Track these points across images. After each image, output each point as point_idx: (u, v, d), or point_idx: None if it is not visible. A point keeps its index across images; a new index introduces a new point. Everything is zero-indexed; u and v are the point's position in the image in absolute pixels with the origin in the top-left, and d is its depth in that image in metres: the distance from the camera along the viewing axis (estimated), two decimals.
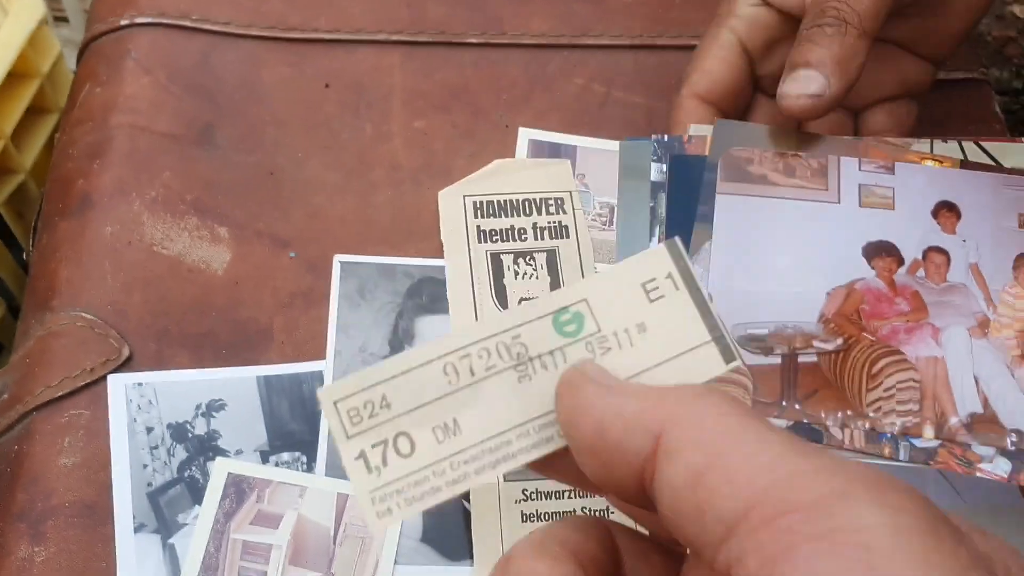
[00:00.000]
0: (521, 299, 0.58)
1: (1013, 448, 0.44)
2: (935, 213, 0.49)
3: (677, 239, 0.31)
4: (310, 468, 0.52)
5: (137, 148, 0.59)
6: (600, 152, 0.64)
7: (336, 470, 0.52)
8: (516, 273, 0.59)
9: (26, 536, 0.48)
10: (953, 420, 0.45)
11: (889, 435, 0.44)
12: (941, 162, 0.50)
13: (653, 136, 0.54)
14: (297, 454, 0.52)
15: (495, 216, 0.61)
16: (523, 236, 0.60)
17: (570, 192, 0.62)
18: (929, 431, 0.44)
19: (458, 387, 0.30)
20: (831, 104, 0.50)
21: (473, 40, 0.66)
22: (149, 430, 0.51)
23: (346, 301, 0.57)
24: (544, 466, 0.29)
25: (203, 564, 0.48)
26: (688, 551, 0.26)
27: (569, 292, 0.31)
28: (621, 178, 0.55)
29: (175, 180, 0.58)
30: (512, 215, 0.61)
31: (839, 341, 0.46)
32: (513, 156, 0.63)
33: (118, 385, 0.52)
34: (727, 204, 0.48)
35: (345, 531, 0.50)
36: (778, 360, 0.45)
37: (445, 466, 0.29)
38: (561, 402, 0.27)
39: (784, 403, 0.45)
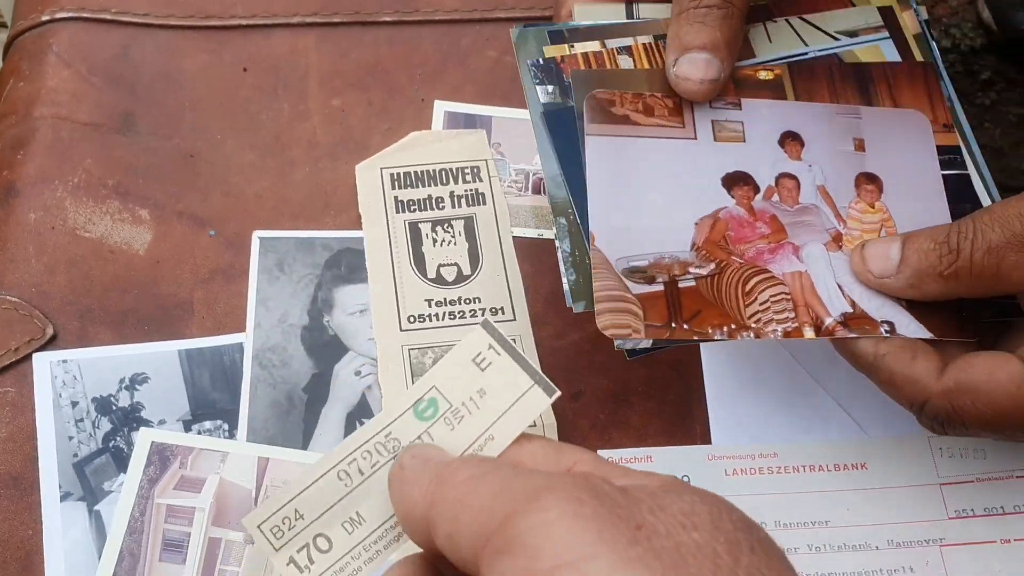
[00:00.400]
0: (439, 265, 0.60)
1: (888, 335, 0.48)
2: (781, 143, 0.53)
3: (488, 318, 0.40)
4: (231, 435, 0.54)
5: (59, 138, 0.61)
6: (515, 121, 0.66)
7: (256, 435, 0.54)
8: (434, 240, 0.61)
9: None
10: (828, 320, 0.48)
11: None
12: (773, 71, 0.54)
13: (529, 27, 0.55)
14: (219, 422, 0.54)
15: (412, 187, 0.63)
16: (441, 205, 0.62)
17: (486, 160, 0.64)
18: (809, 332, 0.48)
19: (353, 487, 0.37)
20: (724, 85, 0.53)
21: (387, 19, 0.68)
22: (74, 404, 0.53)
23: (265, 275, 0.59)
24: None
25: (128, 528, 0.50)
26: None
27: (420, 385, 0.38)
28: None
29: (97, 167, 0.60)
30: (429, 185, 0.63)
31: (712, 266, 0.49)
32: (429, 129, 0.65)
33: (43, 363, 0.54)
34: (596, 146, 0.51)
35: (266, 492, 0.53)
36: (661, 287, 0.49)
37: (359, 550, 0.37)
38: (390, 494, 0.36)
39: (673, 324, 0.48)
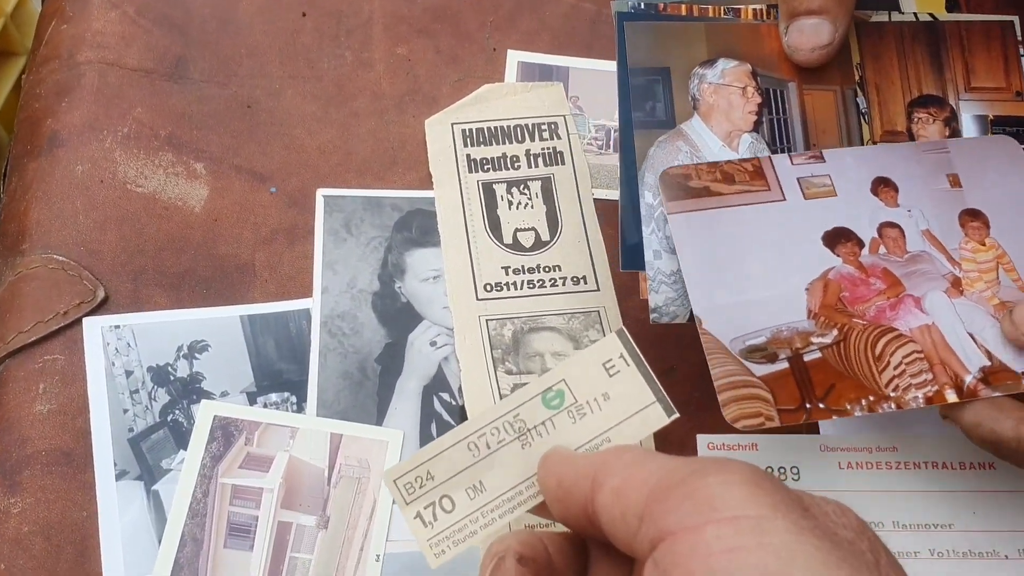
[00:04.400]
0: (516, 230, 0.55)
1: None
2: (874, 191, 0.49)
3: (623, 328, 0.41)
4: (300, 409, 0.49)
5: (107, 84, 0.56)
6: (594, 73, 0.61)
7: (327, 409, 0.49)
8: (510, 203, 0.56)
9: (0, 487, 0.45)
10: (968, 379, 0.44)
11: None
12: None
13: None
14: (286, 394, 0.50)
15: (486, 144, 0.58)
16: (516, 164, 0.58)
17: (564, 116, 0.59)
18: (952, 395, 0.44)
19: (479, 458, 0.40)
20: (839, 48, 0.51)
21: None
22: (128, 374, 0.49)
23: (331, 236, 0.54)
24: (542, 510, 0.39)
25: (190, 510, 0.46)
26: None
27: (551, 376, 0.41)
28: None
29: (147, 116, 0.55)
30: (504, 142, 0.58)
31: (835, 332, 0.46)
32: (502, 81, 0.60)
33: (94, 328, 0.49)
34: (681, 223, 0.48)
35: (340, 472, 0.48)
36: (786, 365, 0.45)
37: (477, 515, 0.40)
38: (539, 471, 0.38)
39: (808, 405, 0.44)
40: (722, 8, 0.53)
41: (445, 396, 0.50)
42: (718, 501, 0.30)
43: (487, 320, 0.52)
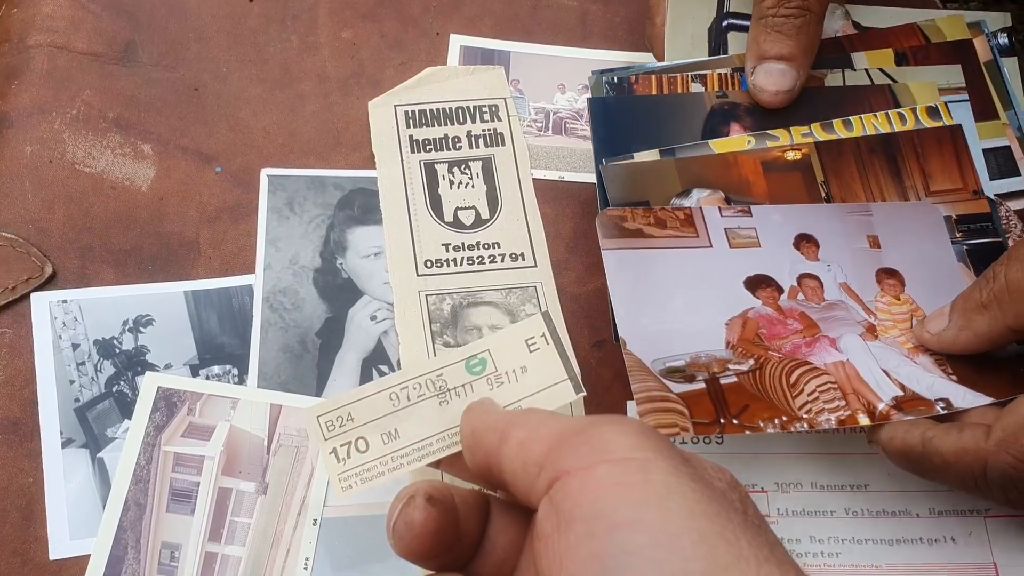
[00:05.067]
0: (457, 208, 0.57)
1: (944, 412, 0.47)
2: (796, 245, 0.53)
3: (547, 310, 0.47)
4: (241, 380, 0.51)
5: (56, 67, 0.58)
6: (534, 56, 0.63)
7: (268, 381, 0.51)
8: (451, 182, 0.58)
9: None
10: (881, 405, 0.47)
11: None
12: (800, 150, 0.55)
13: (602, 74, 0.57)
14: (228, 367, 0.51)
15: (428, 125, 0.60)
16: (457, 145, 0.59)
17: (504, 99, 0.61)
18: (863, 418, 0.47)
19: (399, 408, 0.44)
20: (799, 94, 0.55)
21: None
22: (75, 347, 0.51)
23: (275, 214, 0.56)
24: (449, 464, 0.43)
25: (134, 476, 0.48)
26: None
27: (478, 345, 0.45)
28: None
29: (96, 98, 0.57)
30: (445, 123, 0.60)
31: (751, 362, 0.49)
32: (445, 64, 0.62)
33: (42, 303, 0.51)
34: (614, 257, 0.51)
35: (279, 441, 0.50)
36: (703, 385, 0.48)
37: (388, 459, 0.44)
38: (461, 418, 0.41)
39: (722, 420, 0.47)
40: (689, 76, 0.56)
41: (384, 368, 0.52)
42: (611, 444, 0.33)
43: (426, 295, 0.54)
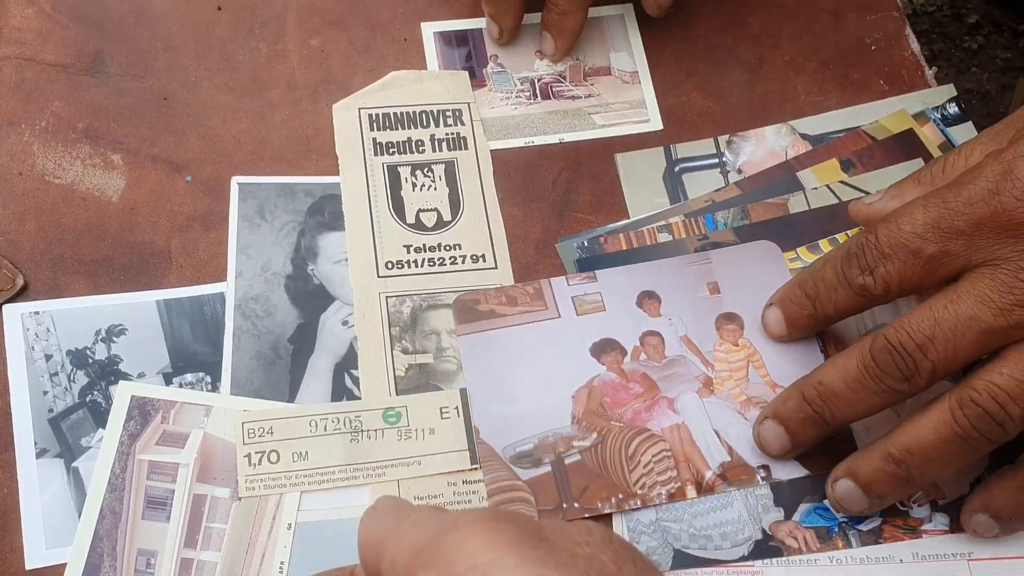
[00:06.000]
0: (419, 211, 0.58)
1: (763, 482, 0.50)
2: (639, 303, 0.55)
3: (467, 388, 0.52)
4: (215, 388, 0.52)
5: (24, 79, 0.58)
6: None
7: (241, 388, 0.52)
8: (414, 185, 0.59)
9: None
10: (708, 474, 0.50)
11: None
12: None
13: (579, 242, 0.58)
14: (201, 375, 0.52)
15: (392, 129, 0.61)
16: (421, 148, 0.60)
17: (468, 103, 0.62)
18: (692, 491, 0.50)
19: (314, 434, 0.50)
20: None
21: None
22: (48, 357, 0.51)
23: (246, 222, 0.56)
24: None
25: (109, 485, 0.49)
26: None
27: (398, 400, 0.51)
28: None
29: (65, 109, 0.58)
30: (409, 127, 0.61)
31: (594, 436, 0.51)
32: (421, 64, 0.62)
33: (14, 315, 0.52)
34: (468, 344, 0.53)
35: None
36: (548, 468, 0.50)
37: (292, 475, 0.49)
38: (361, 518, 0.39)
39: (564, 505, 0.49)
40: (655, 228, 0.57)
41: (356, 372, 0.53)
42: (456, 555, 0.33)
43: (387, 297, 0.55)
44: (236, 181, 0.57)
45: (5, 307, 0.51)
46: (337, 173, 0.58)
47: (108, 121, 0.58)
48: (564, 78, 0.63)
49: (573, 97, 0.62)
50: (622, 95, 0.62)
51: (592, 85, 0.63)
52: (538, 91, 0.62)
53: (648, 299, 0.55)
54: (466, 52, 0.64)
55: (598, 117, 0.62)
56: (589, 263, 0.56)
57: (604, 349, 0.53)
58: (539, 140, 0.60)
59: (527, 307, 0.54)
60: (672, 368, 0.53)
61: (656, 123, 0.61)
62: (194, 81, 0.60)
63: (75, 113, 0.57)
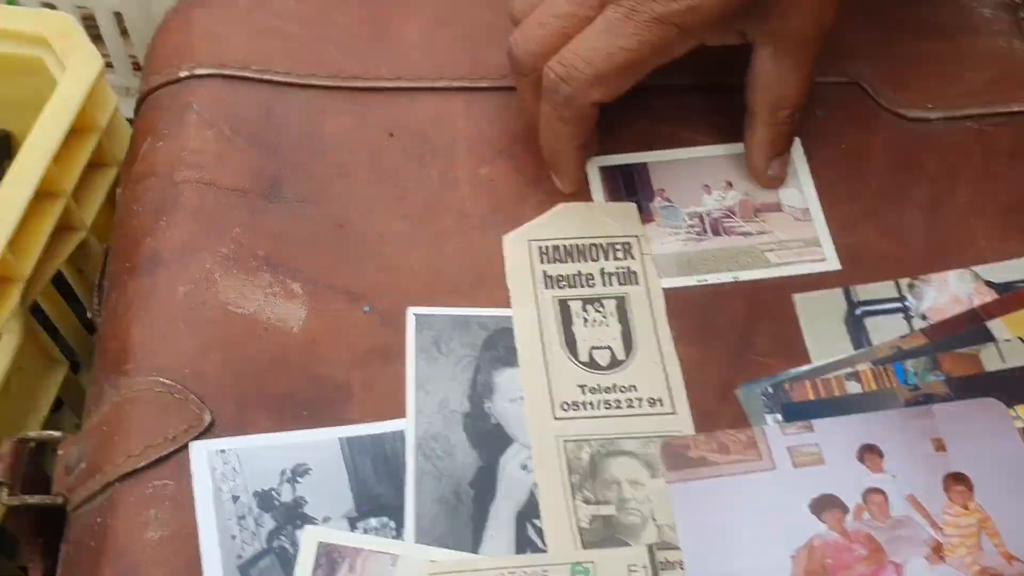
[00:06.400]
0: (592, 348, 0.57)
1: None
2: (860, 457, 0.52)
3: (681, 542, 0.49)
4: (399, 534, 0.50)
5: (205, 204, 0.58)
6: (674, 163, 0.63)
7: (425, 534, 0.50)
8: (585, 320, 0.58)
9: None
10: None
11: None
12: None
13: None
14: (385, 519, 0.51)
15: (561, 261, 0.60)
16: (591, 282, 0.59)
17: (637, 236, 0.61)
18: None
19: None
20: None
21: None
22: (235, 499, 0.50)
23: (423, 355, 0.56)
24: None
25: None
26: None
27: (588, 554, 0.49)
28: None
29: (245, 236, 0.57)
30: (579, 260, 0.60)
31: None
32: (583, 198, 0.62)
33: (200, 453, 0.51)
34: (681, 493, 0.51)
35: None
36: None
37: None
38: None
39: None
40: (843, 376, 0.56)
41: (538, 522, 0.52)
42: None
43: (564, 441, 0.54)
44: (412, 312, 0.56)
45: (192, 444, 0.50)
46: (508, 305, 0.58)
47: (287, 248, 0.57)
48: (734, 213, 0.62)
49: (745, 233, 0.61)
50: (795, 232, 0.61)
51: (763, 222, 0.62)
52: (708, 227, 0.61)
53: (870, 452, 0.52)
54: (632, 186, 0.63)
55: (772, 255, 0.61)
56: (795, 412, 0.54)
57: (825, 506, 0.51)
58: (712, 278, 0.59)
59: (740, 456, 0.53)
60: (898, 529, 0.50)
61: (833, 262, 0.60)
62: (368, 209, 0.60)
63: (255, 240, 0.57)
